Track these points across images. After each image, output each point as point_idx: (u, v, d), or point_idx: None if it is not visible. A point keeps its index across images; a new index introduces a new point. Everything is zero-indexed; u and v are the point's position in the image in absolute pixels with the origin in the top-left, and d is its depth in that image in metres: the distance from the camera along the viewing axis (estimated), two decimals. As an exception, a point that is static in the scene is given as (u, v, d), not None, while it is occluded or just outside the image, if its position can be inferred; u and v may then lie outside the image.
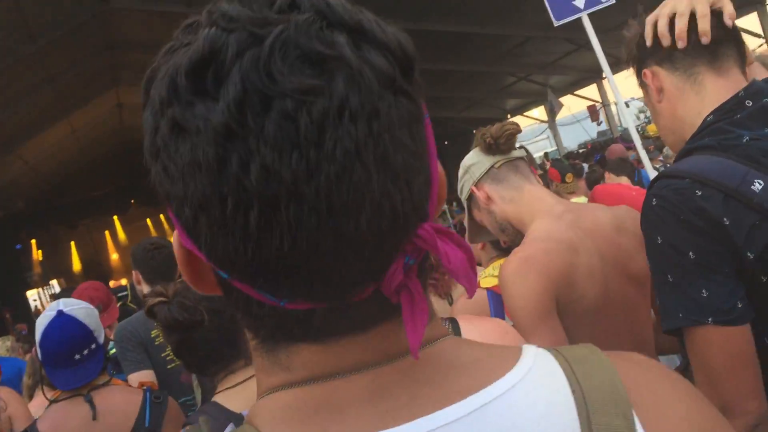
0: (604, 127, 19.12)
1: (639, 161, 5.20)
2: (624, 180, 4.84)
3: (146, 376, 3.00)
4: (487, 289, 2.30)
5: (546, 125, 18.78)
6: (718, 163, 1.34)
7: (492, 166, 1.94)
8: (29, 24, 10.11)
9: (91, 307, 2.42)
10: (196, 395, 2.72)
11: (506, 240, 2.01)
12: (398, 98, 0.54)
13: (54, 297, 19.77)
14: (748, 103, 1.40)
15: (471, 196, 2.01)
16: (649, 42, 1.56)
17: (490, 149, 1.94)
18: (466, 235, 2.23)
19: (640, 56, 1.60)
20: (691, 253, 1.31)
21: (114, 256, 21.27)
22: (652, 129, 9.76)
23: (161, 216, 21.40)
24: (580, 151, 17.72)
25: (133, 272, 3.37)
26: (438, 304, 3.03)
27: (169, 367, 3.11)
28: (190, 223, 0.54)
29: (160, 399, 2.36)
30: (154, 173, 0.56)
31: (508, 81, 16.32)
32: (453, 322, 1.22)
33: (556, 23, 4.54)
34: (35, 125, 14.22)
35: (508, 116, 18.95)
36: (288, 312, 0.56)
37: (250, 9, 0.53)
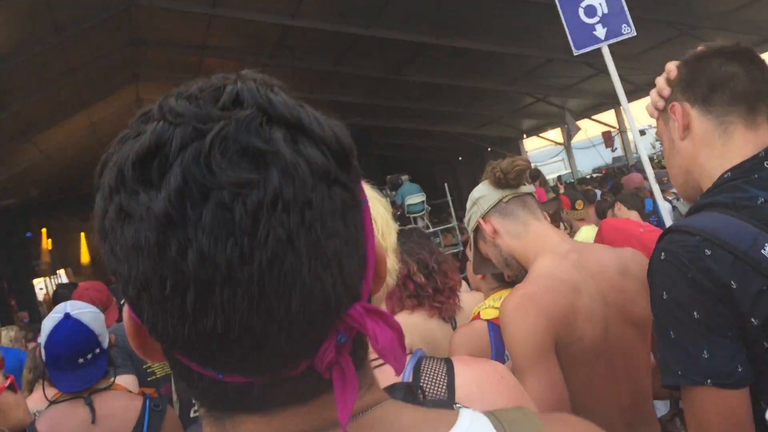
0: (620, 152, 19.07)
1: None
2: (633, 214, 4.81)
3: (127, 380, 3.00)
4: (488, 320, 2.30)
5: (561, 147, 18.75)
6: (730, 223, 1.33)
7: (500, 200, 1.95)
8: (55, 15, 10.21)
9: (98, 311, 2.44)
10: (175, 408, 2.73)
11: (510, 274, 2.02)
12: (332, 189, 0.57)
13: (60, 287, 19.86)
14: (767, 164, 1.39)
15: (478, 228, 2.02)
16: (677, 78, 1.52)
17: (500, 183, 1.95)
18: (471, 265, 2.24)
19: (672, 88, 1.55)
20: (695, 313, 1.30)
21: (123, 250, 21.32)
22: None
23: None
24: (594, 175, 17.67)
25: None
26: (442, 329, 3.03)
27: (148, 379, 3.13)
28: (134, 301, 0.57)
29: (159, 407, 2.36)
30: (102, 252, 0.59)
31: (526, 101, 16.31)
32: (447, 363, 1.22)
33: (576, 52, 4.55)
34: (54, 115, 14.33)
35: (524, 136, 18.96)
36: (227, 384, 0.58)
37: (196, 105, 0.56)
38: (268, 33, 12.18)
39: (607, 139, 17.31)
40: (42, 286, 19.52)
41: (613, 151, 17.98)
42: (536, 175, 9.94)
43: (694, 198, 1.53)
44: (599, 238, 3.81)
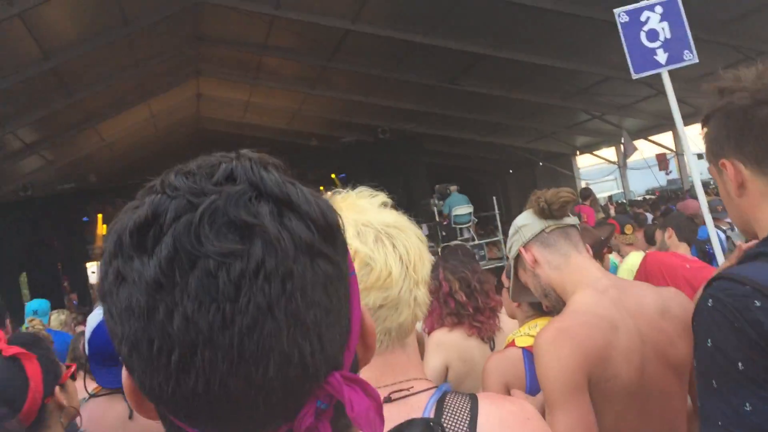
0: (675, 175, 18.66)
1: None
2: (683, 248, 4.65)
3: None
4: (523, 348, 2.30)
5: (614, 166, 18.46)
6: None
7: (542, 230, 1.95)
8: (124, 9, 10.51)
9: None
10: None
11: (548, 305, 2.01)
12: (315, 261, 0.60)
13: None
14: None
15: (518, 256, 2.02)
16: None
17: (543, 213, 1.95)
18: (509, 293, 2.24)
19: (719, 141, 1.50)
20: (740, 364, 1.27)
21: (173, 239, 21.78)
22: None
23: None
24: (648, 197, 17.32)
25: None
26: (481, 349, 3.03)
27: None
28: (127, 359, 0.61)
29: None
30: (103, 313, 0.63)
31: (581, 118, 16.11)
32: (473, 399, 1.23)
33: (634, 76, 4.50)
34: (117, 105, 14.75)
35: (577, 153, 18.72)
36: None
37: (193, 181, 0.61)
38: (328, 36, 12.32)
39: (662, 161, 16.95)
40: (94, 270, 20.05)
41: (667, 174, 17.62)
42: (587, 195, 9.79)
43: (754, 234, 1.50)
44: (642, 270, 3.74)
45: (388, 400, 1.17)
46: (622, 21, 4.37)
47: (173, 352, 0.57)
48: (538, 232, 1.96)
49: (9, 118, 12.37)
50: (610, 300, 1.77)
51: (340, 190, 1.33)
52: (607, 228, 5.07)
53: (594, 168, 20.12)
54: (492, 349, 2.99)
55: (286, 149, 20.18)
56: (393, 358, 1.23)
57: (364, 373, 0.68)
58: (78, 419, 2.13)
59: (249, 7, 11.38)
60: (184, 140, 20.16)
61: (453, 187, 12.31)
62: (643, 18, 4.37)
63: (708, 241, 5.44)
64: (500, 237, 12.47)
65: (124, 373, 0.64)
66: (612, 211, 9.83)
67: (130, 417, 2.28)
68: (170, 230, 0.58)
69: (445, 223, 12.12)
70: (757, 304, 1.28)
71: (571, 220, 1.98)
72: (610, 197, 16.93)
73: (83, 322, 8.02)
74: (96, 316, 2.36)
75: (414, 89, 15.05)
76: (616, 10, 4.48)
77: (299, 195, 0.63)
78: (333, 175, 20.70)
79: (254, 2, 11.33)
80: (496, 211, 12.74)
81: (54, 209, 16.47)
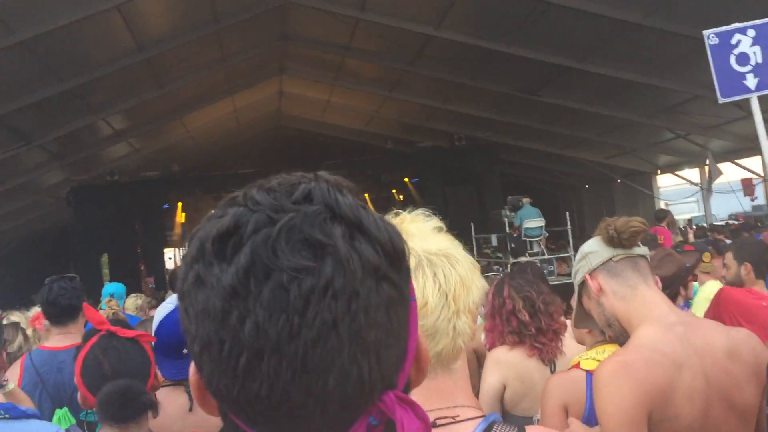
0: (761, 201, 17.88)
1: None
2: (760, 285, 4.36)
3: None
4: (587, 371, 2.27)
5: (696, 188, 17.83)
6: None
7: (610, 259, 1.91)
8: (215, 5, 10.86)
9: None
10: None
11: (611, 335, 1.98)
12: (381, 284, 0.64)
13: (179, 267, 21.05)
14: None
15: (583, 283, 1.99)
16: None
17: (612, 241, 1.91)
18: (572, 319, 2.22)
19: None
20: None
21: (246, 232, 22.32)
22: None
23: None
24: (730, 222, 16.67)
25: None
26: (540, 370, 3.00)
27: None
28: (197, 357, 0.65)
29: None
30: (179, 311, 0.68)
31: (665, 136, 15.61)
32: (521, 431, 1.23)
33: (721, 100, 4.37)
34: (202, 98, 15.24)
35: (658, 172, 18.16)
36: None
37: (273, 197, 0.66)
38: (411, 41, 12.38)
39: (747, 186, 16.26)
40: (170, 256, 20.76)
41: (753, 200, 16.90)
42: (663, 216, 9.51)
43: None
44: (714, 306, 3.60)
45: (434, 425, 1.18)
46: (712, 43, 4.26)
47: (242, 356, 0.61)
48: (606, 260, 1.92)
49: (102, 105, 12.96)
50: (676, 337, 1.73)
51: (399, 211, 1.34)
52: (693, 255, 4.87)
53: (675, 189, 19.49)
54: (552, 372, 2.95)
55: (361, 150, 20.42)
56: (437, 384, 1.23)
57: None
58: None
59: (335, 8, 11.56)
60: (264, 136, 20.64)
61: (525, 200, 12.16)
62: (733, 41, 4.24)
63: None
64: (571, 253, 12.23)
65: (192, 369, 0.69)
66: (690, 236, 9.48)
67: (190, 409, 2.36)
68: (249, 241, 0.62)
69: (515, 235, 11.99)
70: None
71: (641, 250, 1.94)
72: (689, 220, 16.37)
73: (157, 306, 8.32)
74: (163, 309, 2.44)
75: (493, 98, 14.95)
76: (705, 32, 4.37)
77: (370, 220, 0.66)
78: (406, 179, 20.78)
79: (340, 4, 11.51)
80: (569, 227, 12.50)
81: (137, 195, 17.16)
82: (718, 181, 15.62)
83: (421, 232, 1.27)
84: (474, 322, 1.28)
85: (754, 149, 15.18)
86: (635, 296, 1.86)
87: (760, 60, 4.29)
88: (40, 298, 3.51)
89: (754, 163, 16.39)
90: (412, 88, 15.58)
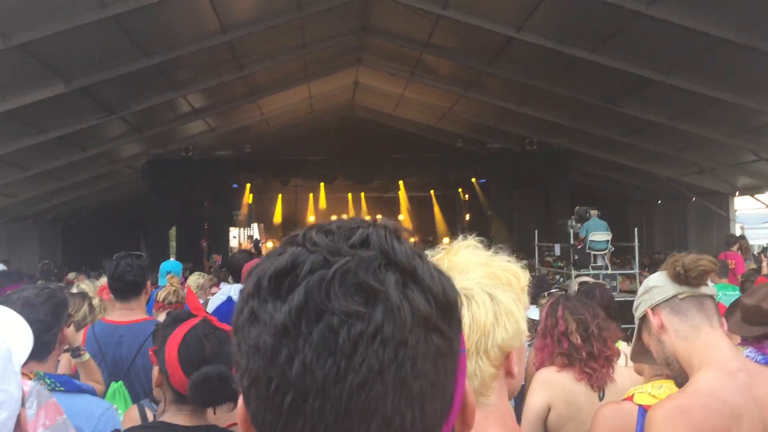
0: None
1: None
2: None
3: None
4: (640, 405, 2.18)
5: (776, 214, 17.09)
6: None
7: (675, 296, 1.84)
8: (300, -6, 11.01)
9: None
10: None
11: (669, 374, 1.91)
12: (430, 334, 0.64)
13: (250, 238, 21.44)
14: None
15: (644, 317, 1.93)
16: None
17: (678, 278, 1.84)
18: (630, 352, 2.14)
19: None
20: None
21: (310, 218, 22.66)
22: None
23: (362, 194, 22.38)
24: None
25: None
26: (588, 396, 2.92)
27: None
28: (246, 391, 0.66)
29: None
30: (232, 345, 0.69)
31: (746, 158, 15.01)
32: None
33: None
34: (279, 83, 15.50)
35: (736, 194, 17.49)
36: None
37: (332, 240, 0.66)
38: (491, 41, 12.28)
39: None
40: (235, 235, 21.21)
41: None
42: (734, 241, 9.14)
43: None
44: None
45: None
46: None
47: (288, 395, 0.61)
48: (670, 296, 1.85)
49: (184, 83, 13.35)
50: (737, 385, 1.65)
51: (446, 247, 1.31)
52: None
53: (752, 213, 18.72)
54: (601, 399, 2.87)
55: (430, 147, 20.38)
56: None
57: None
58: None
59: (418, 3, 11.56)
60: (335, 125, 20.84)
61: (594, 212, 11.89)
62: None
63: None
64: (636, 270, 11.92)
65: (240, 402, 0.70)
66: (765, 265, 9.05)
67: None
68: (304, 282, 0.63)
69: (579, 246, 11.75)
70: None
71: (709, 290, 1.86)
72: (766, 247, 15.65)
73: (218, 284, 8.50)
74: (216, 300, 2.47)
75: (569, 105, 14.68)
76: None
77: (425, 269, 0.67)
78: (473, 179, 20.64)
79: (423, 0, 11.50)
80: (636, 243, 12.14)
81: (209, 172, 17.60)
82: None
83: (464, 265, 1.25)
84: (514, 354, 1.25)
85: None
86: (698, 337, 1.79)
87: None
88: (107, 273, 3.64)
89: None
90: (488, 88, 15.45)
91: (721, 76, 11.11)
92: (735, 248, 8.71)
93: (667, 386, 2.15)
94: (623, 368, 2.82)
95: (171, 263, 6.93)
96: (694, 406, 1.62)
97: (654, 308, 1.89)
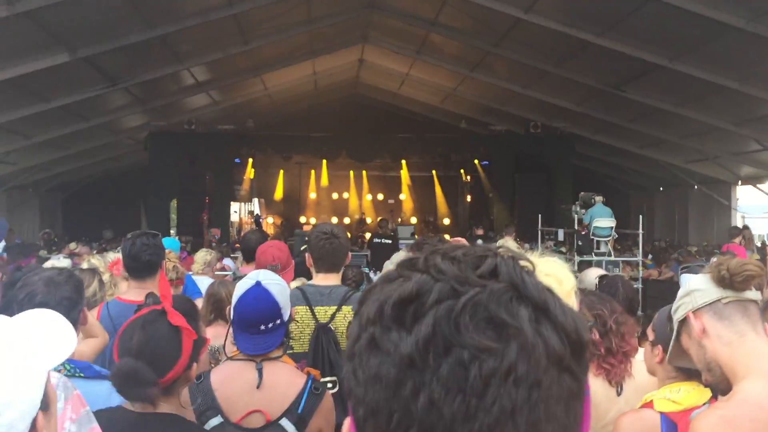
0: None
1: None
2: None
3: None
4: (662, 413, 2.08)
5: (778, 204, 17.05)
6: None
7: (718, 300, 1.80)
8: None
9: (285, 285, 2.58)
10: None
11: (709, 380, 1.86)
12: (562, 375, 0.60)
13: (251, 213, 21.42)
14: None
15: (685, 320, 1.88)
16: None
17: (723, 282, 1.80)
18: (667, 355, 2.06)
19: None
20: None
21: (312, 195, 22.62)
22: None
23: (363, 172, 22.32)
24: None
25: (306, 254, 3.57)
26: (606, 392, 2.89)
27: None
28: (360, 422, 0.63)
29: (318, 390, 2.46)
30: (345, 371, 0.65)
31: (751, 147, 14.96)
32: None
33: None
34: (284, 58, 15.39)
35: (739, 183, 17.45)
36: None
37: (458, 268, 0.63)
38: (499, 22, 12.17)
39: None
40: (236, 210, 21.19)
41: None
42: (736, 233, 9.09)
43: None
44: None
45: None
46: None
47: (410, 430, 0.58)
48: (713, 300, 1.80)
49: (188, 55, 13.25)
50: None
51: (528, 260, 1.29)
52: None
53: (754, 203, 18.68)
54: (618, 394, 2.84)
55: (434, 127, 20.31)
56: None
57: None
58: None
59: (426, -18, 11.45)
60: (339, 102, 20.74)
61: (598, 198, 11.85)
62: None
63: None
64: (639, 258, 11.91)
65: (347, 427, 0.66)
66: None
67: (258, 386, 2.40)
68: (431, 311, 0.60)
69: (583, 233, 11.73)
70: None
71: (754, 294, 1.81)
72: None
73: (221, 259, 8.48)
74: (244, 284, 2.45)
75: (575, 89, 14.59)
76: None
77: (556, 305, 0.63)
78: (476, 161, 20.58)
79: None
80: (640, 230, 12.07)
81: (211, 146, 17.53)
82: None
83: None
84: None
85: None
86: (742, 343, 1.74)
87: None
88: (123, 252, 3.61)
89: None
90: (493, 69, 15.35)
91: (729, 65, 11.04)
92: (738, 240, 8.67)
93: (686, 389, 2.09)
94: (641, 363, 2.79)
95: (169, 241, 6.83)
96: (742, 417, 1.57)
97: (696, 311, 1.84)
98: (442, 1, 12.18)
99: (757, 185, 17.42)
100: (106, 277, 4.00)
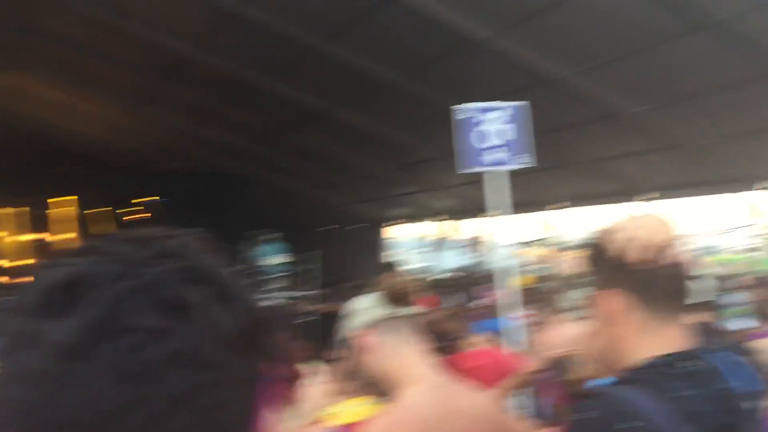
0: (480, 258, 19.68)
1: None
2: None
3: None
4: (341, 425, 2.13)
5: (428, 241, 19.19)
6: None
7: (384, 316, 2.07)
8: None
9: None
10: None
11: (381, 391, 2.00)
12: (236, 358, 0.57)
13: None
14: None
15: (352, 337, 2.09)
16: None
17: (387, 299, 2.07)
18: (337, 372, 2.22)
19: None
20: None
21: None
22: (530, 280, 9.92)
23: (27, 210, 20.01)
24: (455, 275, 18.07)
25: None
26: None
27: None
28: (8, 426, 0.53)
29: None
30: None
31: (408, 189, 16.63)
32: None
33: (459, 171, 4.71)
34: None
35: (399, 221, 19.28)
36: None
37: (127, 250, 0.58)
38: (167, 57, 11.80)
39: (472, 244, 17.88)
40: None
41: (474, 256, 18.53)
42: (389, 268, 9.96)
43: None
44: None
45: None
46: (458, 117, 4.59)
47: (64, 429, 0.51)
48: (379, 317, 2.03)
49: None
50: (436, 398, 1.78)
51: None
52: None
53: (409, 240, 20.84)
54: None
55: (104, 163, 18.93)
56: None
57: None
58: None
59: (88, 10, 10.63)
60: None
61: (269, 236, 12.14)
62: (477, 119, 4.61)
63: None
64: (316, 292, 12.42)
65: None
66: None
67: None
68: (94, 295, 0.53)
69: (255, 271, 11.89)
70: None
71: (415, 310, 2.09)
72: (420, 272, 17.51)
73: None
74: None
75: (247, 129, 14.82)
76: (454, 107, 4.71)
77: (233, 286, 0.60)
78: (151, 198, 19.90)
79: (92, 5, 10.59)
80: (314, 266, 12.64)
81: None
82: (450, 237, 17.01)
83: None
84: None
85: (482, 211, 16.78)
86: (406, 355, 1.89)
87: (496, 141, 4.70)
88: None
89: (479, 223, 18.10)
90: (164, 106, 14.85)
91: (387, 115, 12.12)
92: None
93: (361, 402, 2.21)
94: (313, 387, 2.79)
95: None
96: (401, 419, 1.71)
97: (363, 330, 1.98)
98: (108, 30, 11.41)
99: (412, 222, 19.52)
100: None
